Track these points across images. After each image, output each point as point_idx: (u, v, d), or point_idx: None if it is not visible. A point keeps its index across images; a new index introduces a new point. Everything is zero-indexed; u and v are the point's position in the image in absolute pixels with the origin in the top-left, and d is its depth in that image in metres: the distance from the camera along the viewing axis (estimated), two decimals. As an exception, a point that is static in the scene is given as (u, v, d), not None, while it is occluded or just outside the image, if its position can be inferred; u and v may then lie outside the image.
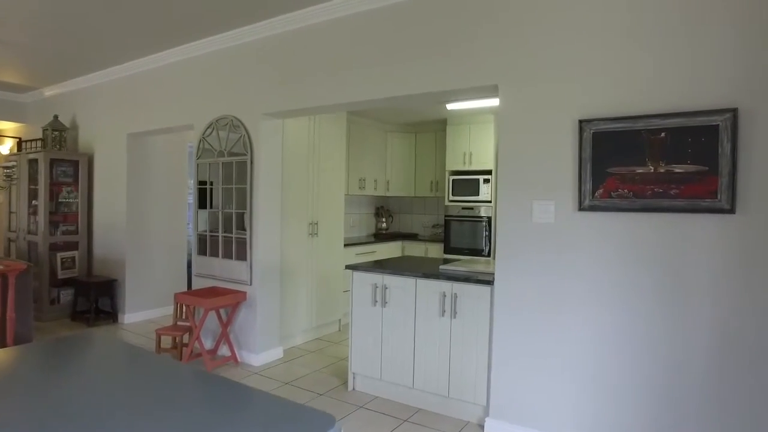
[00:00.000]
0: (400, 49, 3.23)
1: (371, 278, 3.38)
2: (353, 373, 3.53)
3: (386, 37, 3.30)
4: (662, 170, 2.30)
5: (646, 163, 2.34)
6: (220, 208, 4.30)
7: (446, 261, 3.84)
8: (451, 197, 6.04)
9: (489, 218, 5.74)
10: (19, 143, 6.99)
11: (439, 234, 6.59)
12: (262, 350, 4.11)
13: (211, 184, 4.38)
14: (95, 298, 5.49)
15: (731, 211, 2.16)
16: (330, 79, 3.58)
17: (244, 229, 4.11)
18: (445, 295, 3.05)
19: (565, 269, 2.63)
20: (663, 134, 2.29)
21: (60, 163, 5.67)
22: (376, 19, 3.34)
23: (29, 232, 5.68)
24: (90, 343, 1.95)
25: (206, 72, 4.45)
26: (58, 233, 5.66)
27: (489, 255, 5.73)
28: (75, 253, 5.68)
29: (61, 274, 5.58)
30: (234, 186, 4.18)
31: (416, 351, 3.19)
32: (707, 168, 2.20)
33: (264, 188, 4.07)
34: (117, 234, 5.43)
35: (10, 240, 6.23)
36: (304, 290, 4.67)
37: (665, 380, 2.38)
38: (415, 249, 6.37)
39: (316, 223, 4.77)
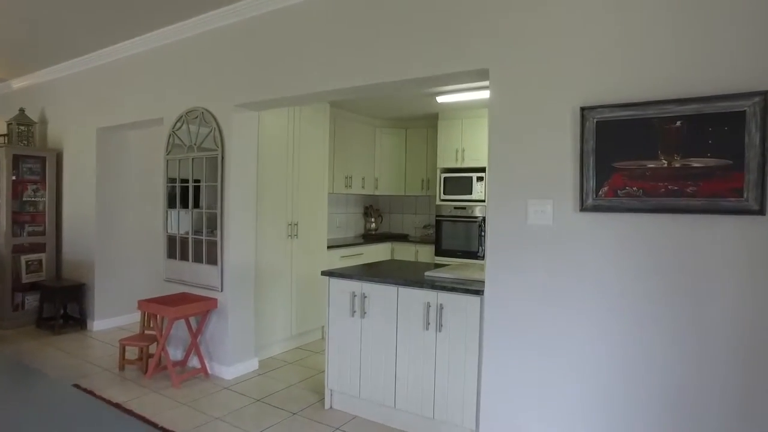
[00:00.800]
0: (382, 32, 2.90)
1: (349, 286, 3.05)
2: (330, 390, 3.20)
3: (366, 19, 2.97)
4: (677, 165, 1.98)
5: (658, 157, 2.02)
6: (190, 207, 3.97)
7: (437, 266, 3.52)
8: (443, 196, 5.72)
9: (483, 218, 5.41)
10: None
11: (430, 235, 6.26)
12: (234, 362, 3.77)
13: (182, 182, 4.04)
14: (63, 304, 5.15)
15: (760, 212, 1.84)
16: (306, 67, 3.25)
17: (215, 231, 3.77)
18: (429, 306, 2.73)
19: (564, 278, 2.30)
20: (679, 123, 1.97)
21: (26, 160, 5.32)
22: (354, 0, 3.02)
23: (-6, 233, 5.33)
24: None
25: (175, 62, 4.12)
26: (24, 234, 5.31)
27: (483, 258, 5.41)
28: (42, 255, 5.34)
29: (25, 278, 5.23)
30: (204, 184, 3.85)
31: (398, 367, 2.87)
32: (731, 162, 1.88)
33: (236, 186, 3.74)
34: (87, 235, 5.08)
35: (-25, 241, 5.87)
36: (283, 296, 4.34)
37: (683, 410, 2.06)
38: (405, 251, 6.05)
39: (296, 224, 4.44)
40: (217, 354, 3.81)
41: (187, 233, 3.99)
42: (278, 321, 4.30)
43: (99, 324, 5.06)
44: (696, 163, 1.94)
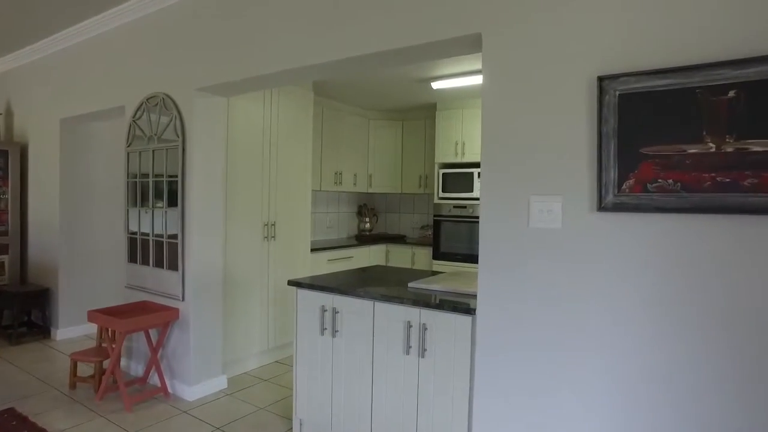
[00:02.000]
0: (356, -4, 2.42)
1: (318, 298, 2.58)
2: (299, 420, 2.73)
3: (339, -20, 2.50)
4: (730, 149, 1.49)
5: (703, 139, 1.53)
6: (150, 205, 3.52)
7: (434, 273, 3.05)
8: (442, 194, 5.24)
9: (484, 219, 4.92)
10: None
11: (428, 236, 5.78)
12: (197, 381, 3.32)
13: (144, 176, 3.59)
14: (24, 311, 4.73)
15: None
16: (274, 43, 2.78)
17: (178, 232, 3.32)
18: (410, 326, 2.25)
19: (577, 296, 1.82)
20: (733, 93, 1.47)
21: (-13, 154, 4.90)
22: (326, -42, 2.54)
23: (-47, 233, 4.92)
24: None
25: (136, 42, 3.66)
26: (-14, 235, 4.90)
27: (484, 261, 4.91)
28: (5, 258, 4.92)
29: (-14, 282, 4.82)
30: (165, 179, 3.40)
31: (374, 396, 2.39)
32: (805, 145, 1.38)
33: (200, 181, 3.28)
34: (52, 236, 4.66)
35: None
36: (258, 305, 3.88)
37: (729, 469, 1.56)
38: (401, 254, 5.57)
39: (273, 225, 3.97)
40: (180, 371, 3.36)
41: (148, 235, 3.54)
42: (253, 333, 3.84)
43: (63, 333, 4.63)
44: (757, 146, 1.44)
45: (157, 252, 3.47)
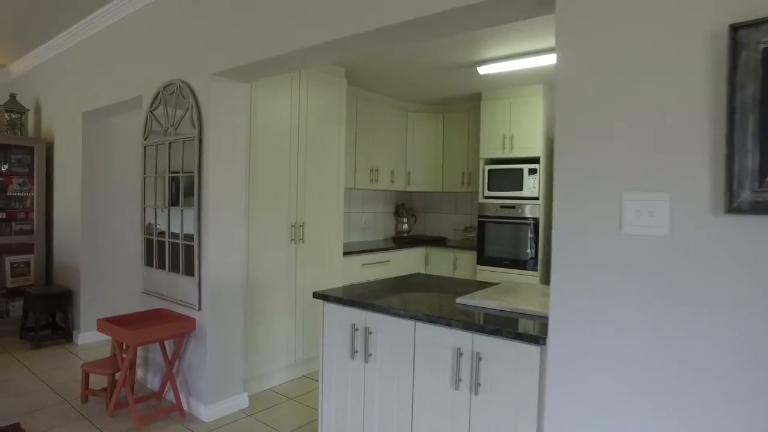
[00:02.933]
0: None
1: (349, 315, 2.18)
2: (325, 455, 2.34)
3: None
4: None
5: None
6: (166, 203, 3.20)
7: (481, 284, 2.60)
8: (487, 193, 4.75)
9: (536, 220, 4.41)
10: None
11: (471, 239, 5.30)
12: (214, 399, 2.98)
13: (161, 172, 3.28)
14: (48, 313, 4.55)
15: None
16: (299, 13, 2.39)
17: (194, 234, 2.98)
18: (460, 354, 1.81)
19: (693, 327, 1.34)
20: None
21: (13, 151, 4.75)
22: None
23: (-21, 232, 4.79)
24: None
25: (150, 25, 3.36)
26: (12, 233, 4.75)
27: (535, 268, 4.41)
28: (30, 257, 4.75)
29: (10, 282, 4.66)
30: (182, 174, 3.07)
31: (415, 438, 1.96)
32: None
33: (218, 177, 2.94)
34: (74, 236, 4.44)
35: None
36: (285, 314, 3.52)
37: None
38: (442, 258, 5.12)
39: (302, 226, 3.60)
40: (196, 388, 3.03)
41: (164, 236, 3.23)
42: (278, 345, 3.48)
43: (84, 337, 4.41)
44: None
45: (173, 255, 3.15)
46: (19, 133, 4.91)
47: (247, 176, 3.17)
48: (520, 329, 1.68)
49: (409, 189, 5.44)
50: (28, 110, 4.98)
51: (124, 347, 3.04)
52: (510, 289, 2.30)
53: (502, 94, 4.67)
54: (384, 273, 4.63)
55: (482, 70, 3.90)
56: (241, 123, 3.06)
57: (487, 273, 4.70)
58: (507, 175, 4.62)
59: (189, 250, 3.01)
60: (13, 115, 4.90)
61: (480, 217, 4.79)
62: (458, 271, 4.98)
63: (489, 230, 4.72)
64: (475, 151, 5.14)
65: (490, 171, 4.73)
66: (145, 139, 3.37)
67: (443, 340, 1.85)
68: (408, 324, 1.96)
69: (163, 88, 3.19)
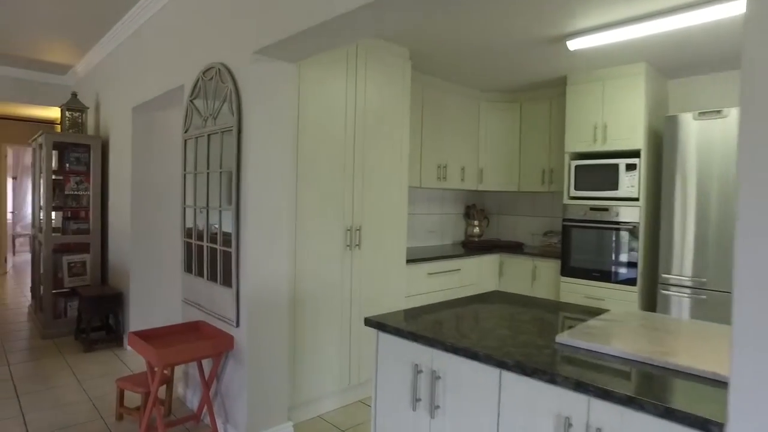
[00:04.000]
0: None
1: (410, 351, 1.66)
2: None
3: None
4: None
5: None
6: (206, 204, 2.84)
7: (586, 312, 2.00)
8: (574, 192, 4.07)
9: (634, 225, 3.69)
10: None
11: (553, 245, 4.63)
12: (254, 429, 2.57)
13: (200, 168, 2.93)
14: (100, 315, 4.40)
15: None
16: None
17: (232, 239, 2.59)
18: (569, 425, 1.24)
19: None
20: None
21: (71, 149, 4.65)
22: None
23: (40, 230, 4.74)
24: None
25: (193, 4, 3.02)
26: (69, 232, 4.66)
27: (632, 283, 3.69)
28: (86, 256, 4.64)
29: (68, 282, 4.56)
30: (220, 171, 2.69)
31: None
32: None
33: (260, 174, 2.52)
34: (126, 235, 4.25)
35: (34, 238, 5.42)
36: (338, 331, 3.06)
37: None
38: (519, 266, 4.48)
39: (359, 229, 3.13)
40: (234, 415, 2.64)
41: (202, 240, 2.87)
42: (329, 366, 3.03)
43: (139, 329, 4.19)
44: None
45: (211, 262, 2.78)
46: (80, 130, 4.83)
47: (295, 172, 2.74)
48: (674, 401, 1.09)
49: (481, 188, 4.84)
50: (88, 108, 4.89)
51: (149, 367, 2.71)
52: (632, 322, 1.68)
53: (593, 76, 3.97)
54: (453, 283, 4.08)
55: (573, 44, 3.25)
56: (286, 110, 2.63)
57: (572, 286, 4.02)
58: (599, 171, 3.92)
59: (227, 257, 2.63)
60: (74, 114, 4.82)
61: (565, 220, 4.11)
62: (538, 282, 4.33)
63: (576, 236, 4.04)
64: (558, 145, 4.47)
65: (577, 167, 4.05)
66: (185, 132, 3.03)
67: (542, 402, 1.29)
68: (491, 373, 1.42)
69: (203, 73, 2.83)
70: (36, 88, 5.83)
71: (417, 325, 1.71)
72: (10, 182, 8.73)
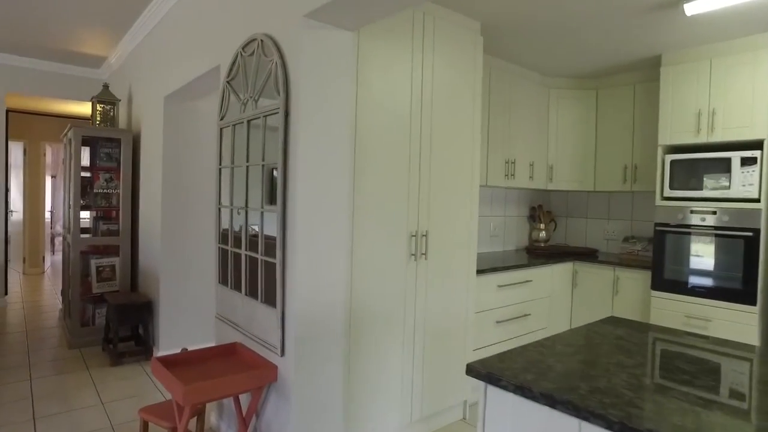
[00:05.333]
0: None
1: (541, 421, 1.13)
2: None
3: None
4: None
5: None
6: (245, 203, 2.38)
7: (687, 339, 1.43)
8: (669, 192, 3.44)
9: (754, 231, 3.04)
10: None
11: (636, 253, 3.99)
12: (302, 483, 2.09)
13: (238, 161, 2.47)
14: (128, 325, 4.03)
15: None
16: None
17: (275, 248, 2.11)
18: None
19: None
20: None
21: (102, 144, 4.32)
22: None
23: (69, 231, 4.42)
24: None
25: (236, -33, 2.57)
26: (99, 233, 4.32)
27: (751, 302, 3.04)
28: (115, 260, 4.29)
29: (96, 288, 4.21)
30: (263, 163, 2.22)
31: None
32: None
33: (312, 167, 2.04)
34: (156, 237, 3.87)
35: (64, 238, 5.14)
36: (399, 356, 2.55)
37: None
38: (596, 277, 3.88)
39: (425, 235, 2.61)
40: (277, 461, 2.16)
41: (239, 247, 2.41)
42: (390, 398, 2.53)
43: (164, 354, 3.79)
44: None
45: (251, 275, 2.31)
46: (111, 125, 4.49)
47: (352, 164, 2.25)
48: None
49: (551, 187, 4.25)
50: (119, 100, 4.55)
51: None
52: None
53: (697, 53, 3.33)
54: (524, 295, 3.53)
55: (691, 7, 2.64)
56: (344, 87, 2.14)
57: (666, 302, 3.40)
58: (703, 167, 3.28)
59: (270, 269, 2.15)
60: (105, 107, 4.49)
61: (658, 225, 3.49)
62: (621, 296, 3.72)
63: (672, 243, 3.41)
64: (646, 137, 3.84)
65: (674, 163, 3.42)
66: (221, 119, 2.59)
67: None
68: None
69: (242, 48, 2.37)
70: (71, 83, 5.58)
71: (547, 380, 1.18)
72: (49, 180, 8.62)
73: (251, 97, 2.29)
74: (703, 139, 3.30)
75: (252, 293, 2.30)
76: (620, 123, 4.03)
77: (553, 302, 3.84)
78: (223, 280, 2.58)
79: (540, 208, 4.59)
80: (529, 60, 3.77)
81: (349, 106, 2.17)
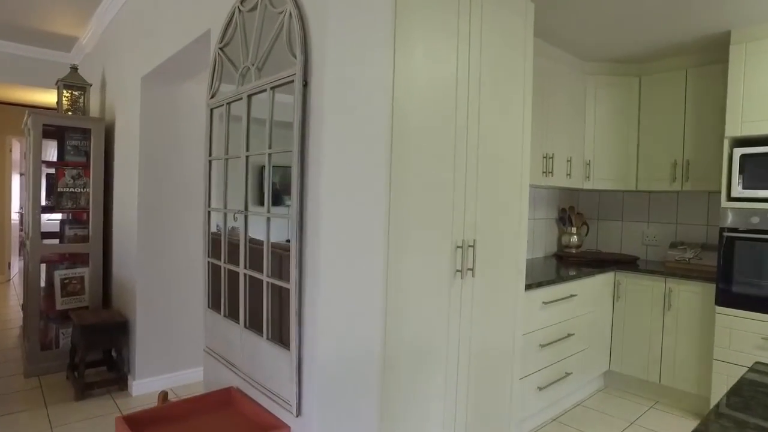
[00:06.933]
0: None
1: None
2: None
3: None
4: None
5: None
6: (244, 206, 1.80)
7: None
8: (740, 192, 2.94)
9: None
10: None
11: (689, 262, 3.49)
12: None
13: (234, 150, 1.89)
14: (97, 349, 3.41)
15: None
16: None
17: (290, 267, 1.54)
18: None
19: None
20: None
21: (69, 135, 3.70)
22: None
23: (28, 236, 3.78)
24: None
25: None
26: (65, 239, 3.70)
27: None
28: (84, 270, 3.66)
29: (61, 303, 3.59)
30: (269, 152, 1.64)
31: None
32: None
33: (340, 158, 1.48)
34: (131, 246, 3.26)
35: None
36: (441, 401, 1.99)
37: None
38: (643, 289, 3.37)
39: (472, 246, 2.06)
40: None
41: (236, 263, 1.83)
42: (428, 456, 1.97)
43: (141, 386, 3.19)
44: None
45: (253, 300, 1.74)
46: (82, 113, 3.86)
47: (390, 158, 1.68)
48: None
49: (587, 186, 3.73)
50: (90, 85, 3.92)
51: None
52: None
53: (775, 29, 2.84)
54: (568, 312, 3.01)
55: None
56: (382, 55, 1.58)
57: (737, 320, 2.90)
58: (783, 162, 2.79)
59: (280, 296, 1.58)
60: (74, 92, 3.85)
61: (726, 230, 2.98)
62: (675, 312, 3.21)
63: (743, 251, 2.91)
64: (700, 128, 3.34)
65: (746, 157, 2.92)
66: (211, 97, 2.01)
67: None
68: None
69: (240, 3, 1.80)
70: (39, 68, 4.93)
71: None
72: (16, 179, 7.90)
73: (253, 65, 1.72)
74: (783, 129, 2.80)
75: (254, 326, 1.72)
76: (668, 114, 3.53)
77: (597, 319, 3.33)
78: (214, 305, 2.00)
79: (571, 210, 4.07)
80: (567, 36, 3.23)
81: (386, 74, 1.61)
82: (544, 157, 3.26)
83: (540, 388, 2.79)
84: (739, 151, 2.94)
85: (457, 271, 1.98)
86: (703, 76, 3.34)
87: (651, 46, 3.34)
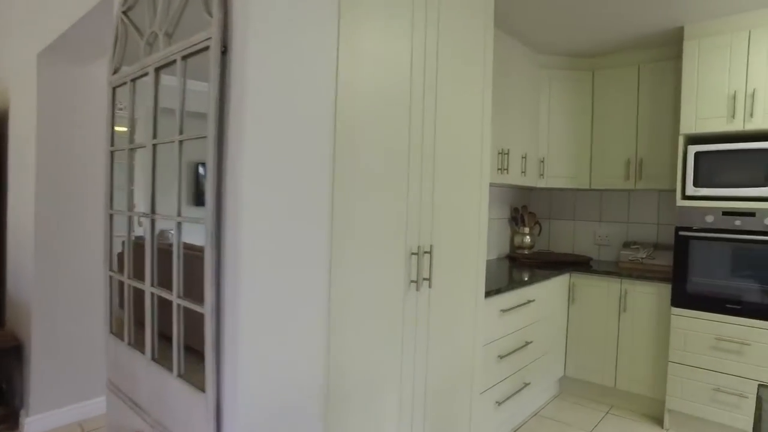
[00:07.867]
0: None
1: None
2: None
3: None
4: None
5: None
6: (150, 207, 1.44)
7: None
8: (693, 190, 2.86)
9: (803, 238, 2.51)
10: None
11: (642, 262, 3.41)
12: None
13: (144, 139, 1.52)
14: (-12, 378, 2.88)
15: None
16: None
17: (205, 286, 1.20)
18: None
19: None
20: None
21: (-50, 123, 3.12)
22: None
23: None
24: None
25: None
26: (-53, 249, 3.12)
27: (804, 322, 2.51)
28: (-29, 285, 3.11)
29: (-60, 326, 3.02)
30: (180, 139, 1.30)
31: None
32: None
33: (265, 147, 1.16)
34: (27, 255, 2.76)
35: None
36: (396, 423, 1.71)
37: None
38: (598, 291, 3.25)
39: (428, 252, 1.79)
40: None
41: (142, 279, 1.46)
42: (380, 499, 1.68)
43: (36, 422, 2.68)
44: None
45: (163, 325, 1.38)
46: (-32, 99, 3.28)
47: (332, 150, 1.38)
48: None
49: (541, 184, 3.58)
50: (-20, 66, 3.34)
51: None
52: None
53: (733, 23, 2.76)
54: (527, 319, 2.82)
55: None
56: (324, 25, 1.27)
57: (692, 321, 2.82)
58: (739, 160, 2.72)
59: (194, 322, 1.24)
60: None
61: (680, 229, 2.90)
62: (631, 314, 3.11)
63: (698, 251, 2.84)
64: (650, 127, 3.27)
65: (701, 155, 2.84)
66: (113, 73, 1.62)
67: None
68: None
69: (147, -48, 1.43)
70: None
71: None
72: None
73: (161, 30, 1.37)
74: (738, 126, 2.74)
75: (163, 359, 1.37)
76: (621, 110, 3.44)
77: (551, 325, 3.17)
78: (116, 330, 1.62)
79: (524, 209, 3.92)
80: (520, 27, 3.05)
81: (330, 53, 1.31)
82: (499, 153, 3.06)
83: (498, 403, 2.58)
84: (693, 149, 2.86)
85: (412, 281, 1.71)
86: (657, 72, 3.26)
87: (603, 40, 3.22)
